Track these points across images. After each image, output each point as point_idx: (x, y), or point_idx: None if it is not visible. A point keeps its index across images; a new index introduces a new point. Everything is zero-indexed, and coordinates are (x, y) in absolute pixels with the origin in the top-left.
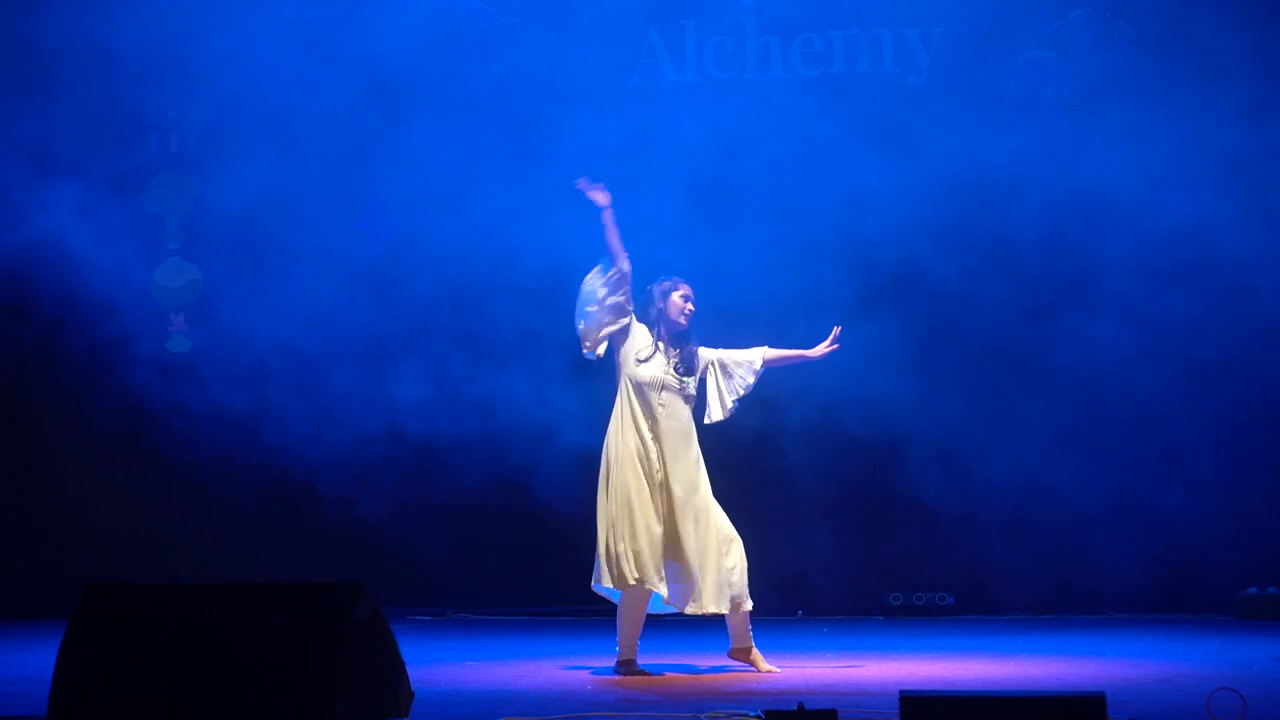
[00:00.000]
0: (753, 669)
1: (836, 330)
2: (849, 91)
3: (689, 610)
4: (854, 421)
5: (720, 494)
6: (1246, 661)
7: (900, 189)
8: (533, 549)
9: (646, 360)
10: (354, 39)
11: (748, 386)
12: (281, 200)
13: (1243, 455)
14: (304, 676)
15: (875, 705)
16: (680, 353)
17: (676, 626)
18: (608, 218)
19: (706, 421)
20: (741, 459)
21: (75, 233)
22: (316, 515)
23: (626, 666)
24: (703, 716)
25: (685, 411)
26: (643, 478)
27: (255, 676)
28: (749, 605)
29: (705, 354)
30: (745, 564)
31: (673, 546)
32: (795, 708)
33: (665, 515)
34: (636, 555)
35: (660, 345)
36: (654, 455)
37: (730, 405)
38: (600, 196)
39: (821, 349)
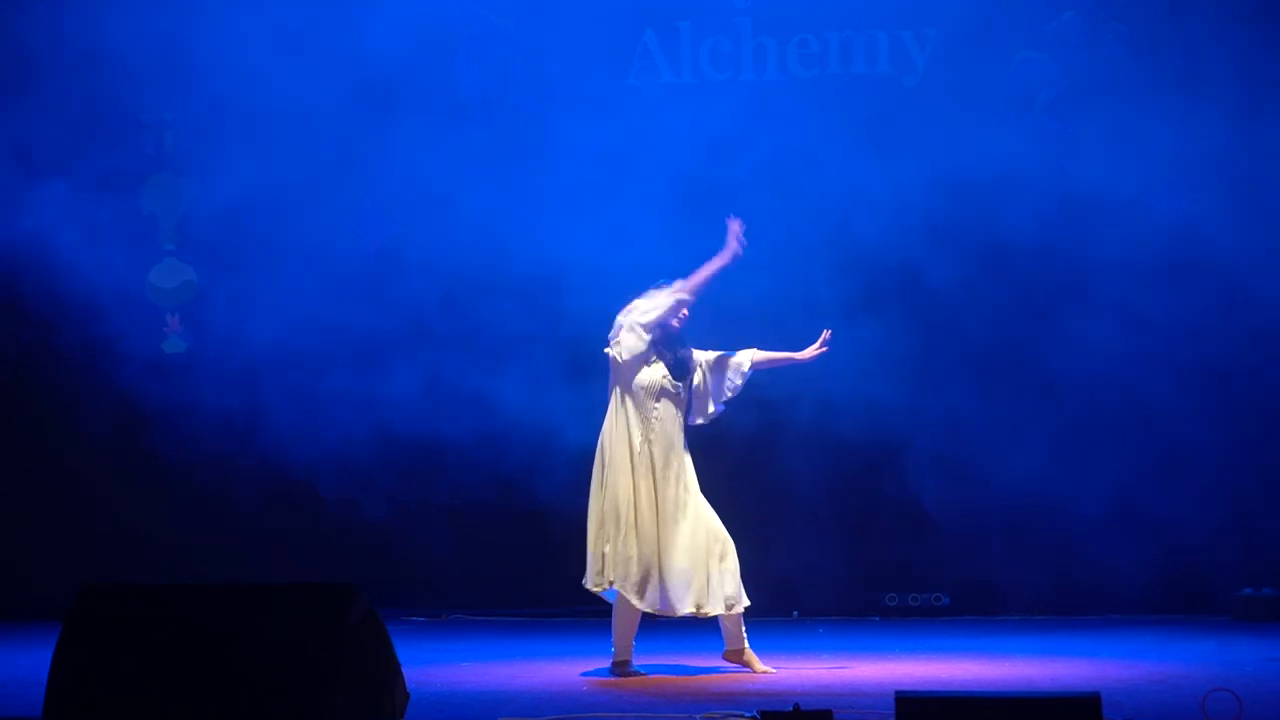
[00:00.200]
0: (748, 670)
1: (826, 334)
2: (844, 92)
3: (683, 612)
4: (849, 422)
5: (714, 495)
6: (1242, 662)
7: (896, 189)
8: (528, 550)
9: (645, 365)
10: (350, 40)
11: (735, 389)
12: (276, 201)
13: (1238, 455)
14: (299, 678)
15: (871, 706)
16: (674, 356)
17: (671, 628)
18: (721, 261)
19: (691, 423)
20: (736, 460)
21: (69, 234)
22: (313, 516)
23: (622, 667)
24: (698, 717)
25: (678, 414)
26: (636, 480)
27: (249, 678)
28: (743, 606)
29: (696, 356)
30: (738, 565)
31: (666, 548)
32: (790, 709)
33: (658, 517)
34: (621, 560)
35: (656, 349)
36: (648, 458)
37: (715, 408)
38: (735, 245)
39: (811, 351)
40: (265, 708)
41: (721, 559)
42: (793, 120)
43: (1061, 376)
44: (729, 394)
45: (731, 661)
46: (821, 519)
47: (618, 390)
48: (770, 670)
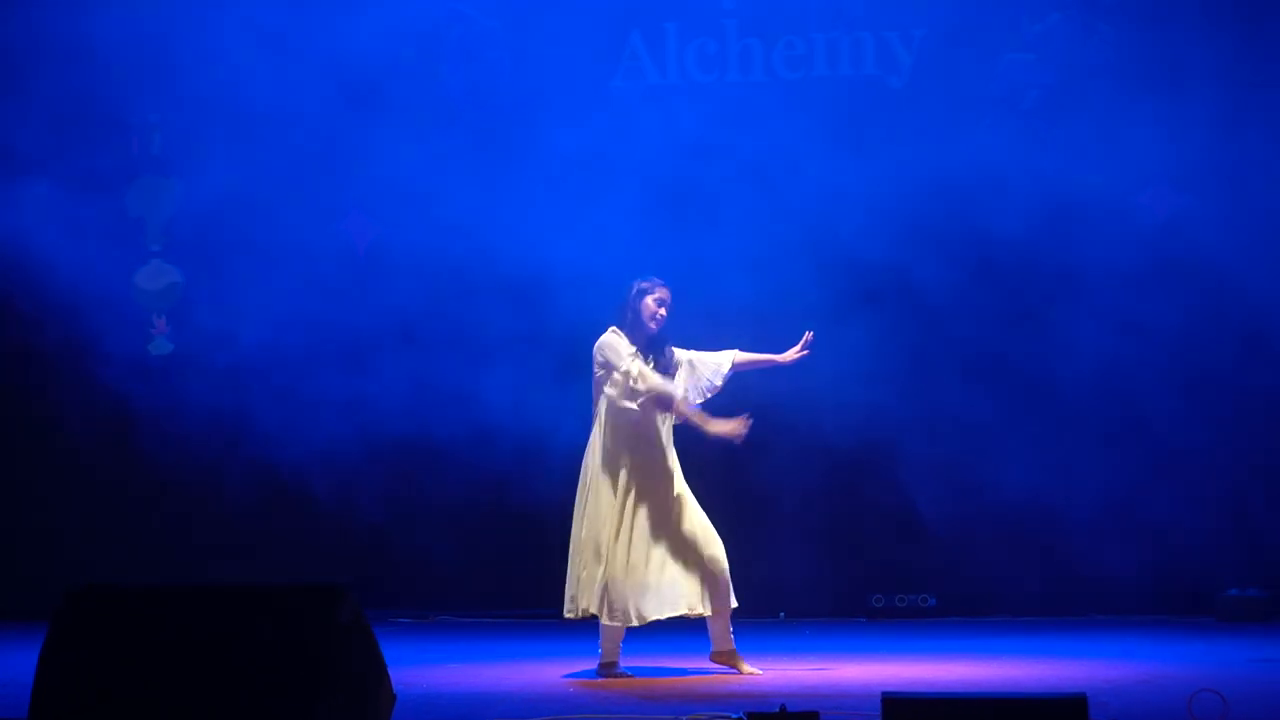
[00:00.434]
0: (735, 671)
1: (808, 336)
2: (830, 94)
3: (670, 613)
4: (835, 424)
5: (702, 497)
6: (1228, 663)
7: (882, 191)
8: (516, 551)
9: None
10: (335, 41)
11: (713, 388)
12: (262, 202)
13: (1226, 457)
14: (286, 679)
15: (857, 707)
16: (656, 357)
17: (658, 629)
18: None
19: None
20: (723, 462)
21: (54, 235)
22: (301, 517)
23: (609, 669)
24: (684, 718)
25: (665, 417)
26: (619, 490)
27: (236, 679)
28: (730, 608)
29: (678, 354)
30: (726, 566)
31: (655, 551)
32: (777, 710)
33: (645, 521)
34: (597, 591)
35: (638, 353)
36: (633, 463)
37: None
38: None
39: (792, 354)
40: (252, 708)
41: (710, 560)
42: (779, 121)
43: (1047, 377)
44: (706, 393)
45: (718, 663)
46: (808, 520)
47: (601, 398)
48: (757, 671)
